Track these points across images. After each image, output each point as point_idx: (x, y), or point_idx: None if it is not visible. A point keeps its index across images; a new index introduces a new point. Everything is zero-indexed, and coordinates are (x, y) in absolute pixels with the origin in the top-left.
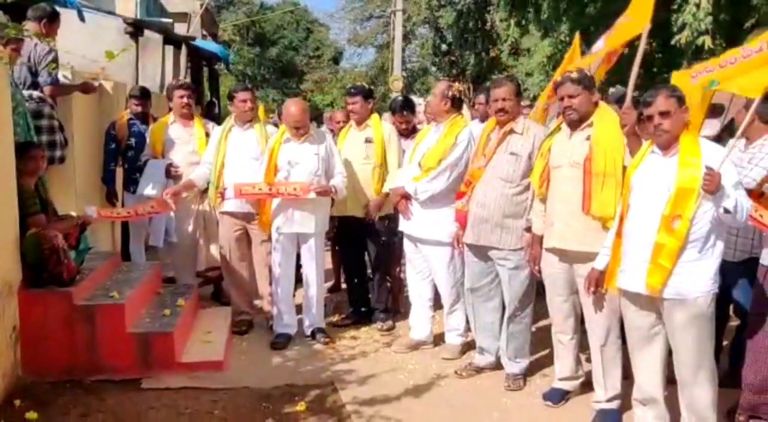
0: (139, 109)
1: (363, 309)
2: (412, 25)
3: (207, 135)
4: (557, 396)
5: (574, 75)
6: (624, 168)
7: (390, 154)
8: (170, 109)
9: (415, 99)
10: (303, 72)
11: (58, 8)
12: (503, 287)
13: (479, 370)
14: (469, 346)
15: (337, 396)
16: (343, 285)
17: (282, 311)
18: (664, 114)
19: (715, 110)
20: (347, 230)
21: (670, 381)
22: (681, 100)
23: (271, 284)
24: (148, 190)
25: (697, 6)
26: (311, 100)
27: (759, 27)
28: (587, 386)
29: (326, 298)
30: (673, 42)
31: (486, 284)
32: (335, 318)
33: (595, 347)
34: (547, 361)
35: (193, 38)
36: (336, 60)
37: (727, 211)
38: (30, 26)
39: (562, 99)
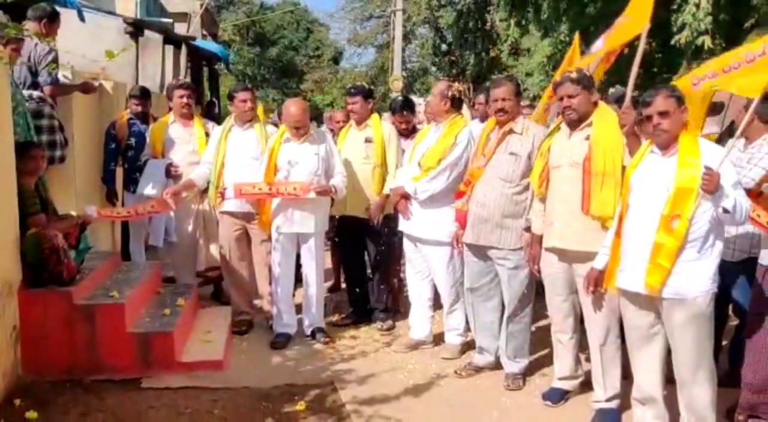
0: (139, 108)
1: (363, 308)
2: (412, 25)
3: (207, 135)
4: (557, 396)
5: (574, 75)
6: (623, 168)
7: (390, 154)
8: (170, 109)
9: (415, 99)
10: (303, 72)
11: (58, 8)
12: (503, 287)
13: (479, 370)
14: (468, 346)
15: (336, 396)
16: (343, 285)
17: (282, 311)
18: (663, 114)
19: (715, 108)
20: (347, 230)
21: (670, 380)
22: (680, 100)
23: (270, 284)
24: (148, 189)
25: (697, 6)
26: (311, 100)
27: (759, 27)
28: (587, 385)
29: (326, 298)
30: (672, 42)
31: (485, 284)
32: (335, 318)
33: (595, 347)
34: (547, 361)
35: (193, 38)
36: (336, 60)
37: (726, 210)
38: (30, 26)
39: (561, 99)
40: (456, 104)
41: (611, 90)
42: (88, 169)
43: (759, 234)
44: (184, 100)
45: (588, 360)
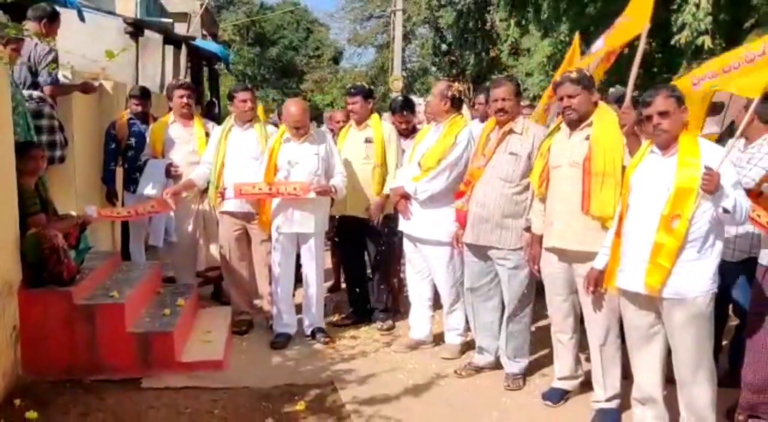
0: (139, 108)
1: (363, 308)
2: (412, 25)
3: (207, 135)
4: (556, 396)
5: (574, 75)
6: (623, 168)
7: (390, 154)
8: (170, 109)
9: (415, 99)
10: (303, 72)
11: (58, 8)
12: (503, 287)
13: (479, 370)
14: (468, 346)
15: (336, 396)
16: (343, 285)
17: (282, 311)
18: (663, 114)
19: (715, 108)
20: (347, 230)
21: (669, 380)
22: (680, 100)
23: (270, 284)
24: (148, 189)
25: (697, 6)
26: (311, 100)
27: (759, 27)
28: (586, 385)
29: (326, 298)
30: (672, 42)
31: (485, 284)
32: (335, 318)
33: (595, 346)
34: (547, 361)
35: (193, 38)
36: (336, 60)
37: (726, 210)
38: (30, 26)
39: (561, 99)
40: (456, 104)
41: (611, 90)
42: (88, 169)
43: (759, 234)
44: (184, 100)
45: (588, 360)
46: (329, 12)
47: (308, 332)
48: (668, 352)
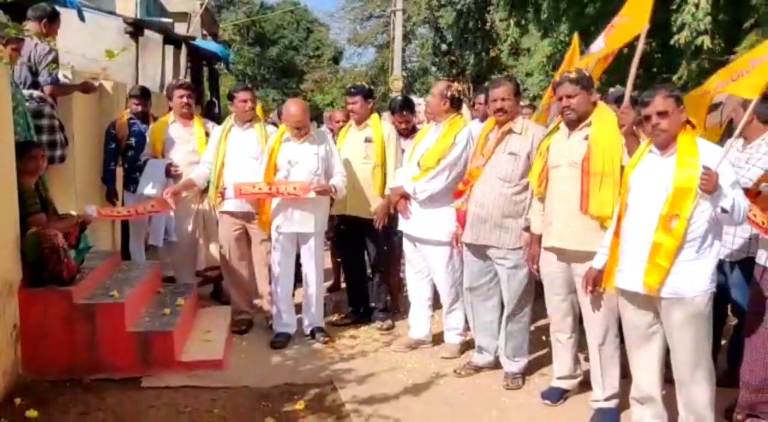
0: (139, 108)
1: (362, 308)
2: (412, 25)
3: (207, 134)
4: (556, 395)
5: (573, 75)
6: (622, 167)
7: (389, 154)
8: (170, 109)
9: (415, 99)
10: (303, 72)
11: (58, 8)
12: (502, 286)
13: (478, 369)
14: (468, 345)
15: (336, 395)
16: (343, 285)
17: (281, 310)
18: (661, 114)
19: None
20: (347, 229)
21: (668, 380)
22: (678, 99)
23: (270, 283)
24: (148, 189)
25: (696, 6)
26: (311, 99)
27: (758, 27)
28: (585, 385)
29: (326, 298)
30: (672, 42)
31: (485, 283)
32: (335, 318)
33: (594, 346)
34: (546, 360)
35: (193, 38)
36: (336, 60)
37: (724, 210)
38: (30, 26)
39: (560, 99)
40: (455, 104)
41: (611, 90)
42: (88, 169)
43: (757, 233)
44: (184, 99)
45: (587, 359)
46: (329, 12)
47: (308, 332)
48: (667, 352)
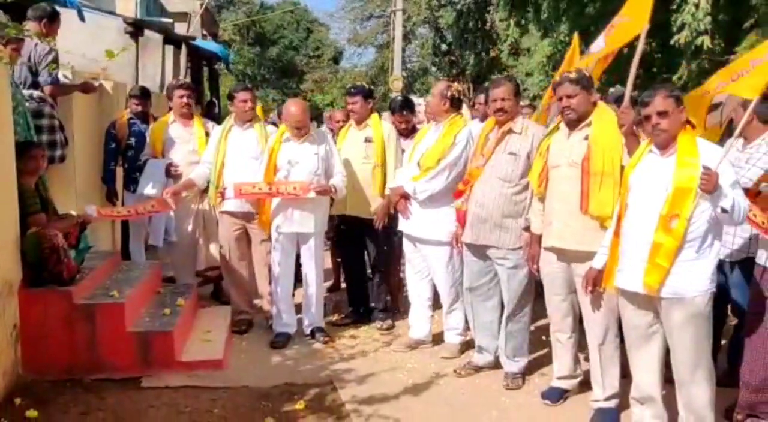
0: (139, 108)
1: (362, 308)
2: (412, 25)
3: (207, 134)
4: (556, 395)
5: (573, 75)
6: (622, 167)
7: (389, 154)
8: (170, 109)
9: (415, 99)
10: (303, 72)
11: (58, 8)
12: (502, 286)
13: (478, 369)
14: (468, 345)
15: (336, 395)
16: (343, 285)
17: (281, 310)
18: (661, 114)
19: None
20: (347, 229)
21: (668, 380)
22: (679, 99)
23: (270, 283)
24: (148, 189)
25: (696, 6)
26: (311, 99)
27: (758, 27)
28: (585, 385)
29: (326, 298)
30: (672, 42)
31: (485, 283)
32: (335, 318)
33: (593, 346)
34: (546, 360)
35: (193, 38)
36: (336, 60)
37: (724, 210)
38: (30, 26)
39: (560, 99)
40: (455, 104)
41: (611, 90)
42: (88, 169)
43: (758, 233)
44: (184, 100)
45: (587, 359)
46: (329, 12)
47: (308, 331)
48: (667, 352)
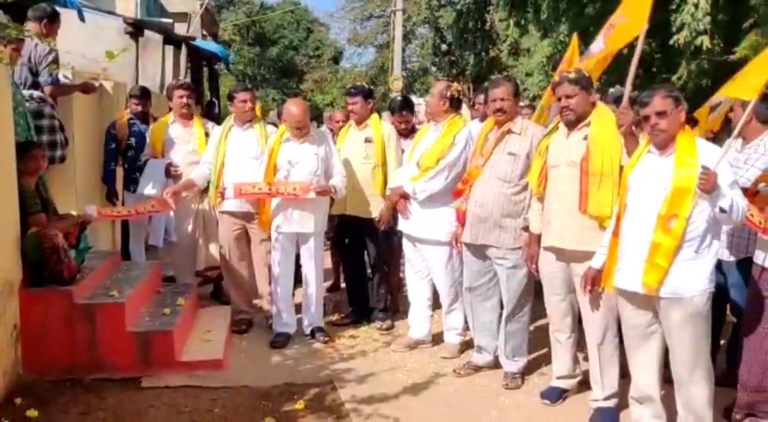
0: (140, 108)
1: (362, 308)
2: (412, 25)
3: (207, 135)
4: (555, 395)
5: (572, 75)
6: (621, 167)
7: (389, 154)
8: (170, 109)
9: (415, 99)
10: (303, 72)
11: (58, 8)
12: (501, 286)
13: (477, 369)
14: (467, 345)
15: (336, 395)
16: (343, 285)
17: (281, 310)
18: (660, 114)
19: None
20: (347, 229)
21: (667, 380)
22: (677, 100)
23: (270, 283)
24: (148, 189)
25: (696, 6)
26: (311, 100)
27: (757, 27)
28: (585, 385)
29: (325, 297)
30: (671, 42)
31: (484, 283)
32: (334, 318)
33: (593, 346)
34: (545, 360)
35: (193, 38)
36: (336, 60)
37: (723, 210)
38: (30, 26)
39: (559, 99)
40: (455, 104)
41: (611, 90)
42: (88, 169)
43: (756, 233)
44: (184, 100)
45: (586, 359)
46: (329, 12)
47: (308, 331)
48: (666, 351)
